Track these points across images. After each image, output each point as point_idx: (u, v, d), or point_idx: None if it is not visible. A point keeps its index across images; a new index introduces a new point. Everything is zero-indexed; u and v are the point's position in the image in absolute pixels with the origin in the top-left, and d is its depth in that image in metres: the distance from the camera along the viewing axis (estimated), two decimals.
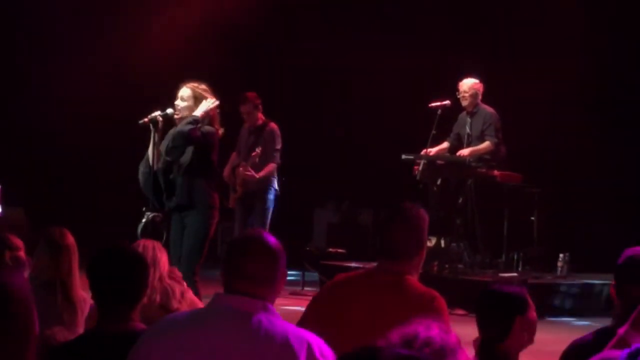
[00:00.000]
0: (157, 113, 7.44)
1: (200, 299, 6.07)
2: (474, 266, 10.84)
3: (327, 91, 14.91)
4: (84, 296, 5.28)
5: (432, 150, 10.78)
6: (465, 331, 3.92)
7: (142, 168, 7.53)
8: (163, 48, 13.67)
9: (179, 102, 7.49)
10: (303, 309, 4.25)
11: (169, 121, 7.52)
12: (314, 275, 11.98)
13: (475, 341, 3.82)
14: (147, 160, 7.47)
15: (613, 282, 3.93)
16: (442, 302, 4.06)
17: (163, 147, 7.47)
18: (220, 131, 7.58)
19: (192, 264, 7.34)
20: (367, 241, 13.73)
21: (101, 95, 13.97)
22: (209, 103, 7.43)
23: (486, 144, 10.77)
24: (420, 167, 10.59)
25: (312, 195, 14.26)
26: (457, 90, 10.91)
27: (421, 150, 10.77)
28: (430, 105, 10.76)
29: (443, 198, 10.82)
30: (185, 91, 7.49)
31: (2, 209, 11.06)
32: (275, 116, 10.71)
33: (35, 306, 2.58)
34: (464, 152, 10.74)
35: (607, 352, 3.38)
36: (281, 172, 10.53)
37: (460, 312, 9.36)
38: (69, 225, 5.60)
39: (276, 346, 3.08)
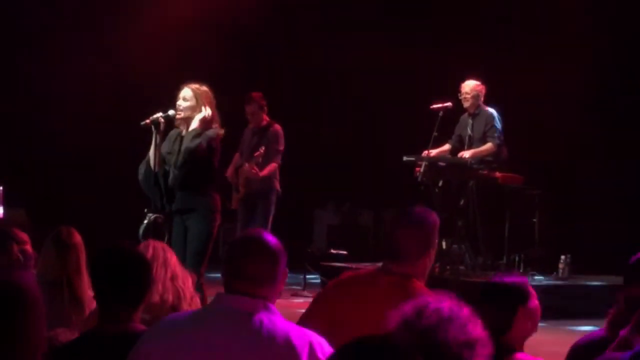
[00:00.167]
0: (159, 114, 7.42)
1: (206, 302, 6.04)
2: (476, 268, 10.81)
3: (327, 91, 14.90)
4: (92, 295, 5.25)
5: (434, 152, 10.76)
6: None
7: (142, 169, 7.50)
8: (163, 48, 13.67)
9: (180, 102, 7.47)
10: (304, 310, 4.24)
11: (170, 122, 7.50)
12: (315, 277, 11.98)
13: None
14: (148, 161, 7.46)
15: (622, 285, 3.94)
16: None
17: (164, 149, 7.45)
18: (222, 132, 7.56)
19: (197, 267, 7.32)
20: (367, 242, 13.73)
21: (101, 95, 13.97)
22: (204, 113, 7.41)
23: (488, 146, 10.74)
24: (422, 169, 10.56)
25: (312, 196, 14.25)
26: (459, 91, 10.89)
27: (422, 152, 10.75)
28: (431, 107, 10.73)
29: (444, 200, 10.80)
30: (186, 91, 7.48)
31: (4, 209, 11.06)
32: (275, 116, 10.70)
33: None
34: (466, 153, 10.71)
35: (610, 354, 3.37)
36: (282, 173, 10.52)
37: None
38: (70, 225, 5.57)
39: (278, 346, 3.07)
